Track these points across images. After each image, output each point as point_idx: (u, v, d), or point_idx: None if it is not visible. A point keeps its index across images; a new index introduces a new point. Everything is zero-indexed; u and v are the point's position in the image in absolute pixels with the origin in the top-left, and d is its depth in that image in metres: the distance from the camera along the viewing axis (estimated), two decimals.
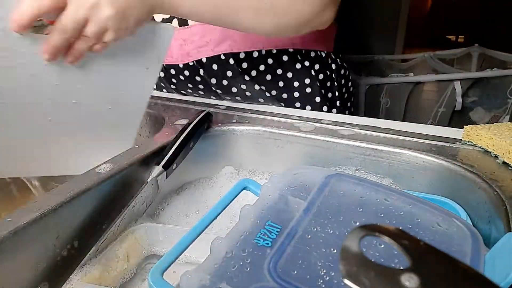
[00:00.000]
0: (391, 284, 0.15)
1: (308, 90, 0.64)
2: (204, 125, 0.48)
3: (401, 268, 0.15)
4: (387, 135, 0.45)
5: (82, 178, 0.37)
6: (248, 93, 0.64)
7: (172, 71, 0.65)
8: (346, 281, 0.15)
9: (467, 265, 0.15)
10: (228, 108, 0.57)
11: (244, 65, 0.62)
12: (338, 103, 0.68)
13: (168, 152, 0.41)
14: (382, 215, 0.31)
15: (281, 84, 0.64)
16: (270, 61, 0.62)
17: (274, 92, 0.64)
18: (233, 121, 0.52)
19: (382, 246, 0.26)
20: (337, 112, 0.68)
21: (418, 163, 0.42)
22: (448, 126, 0.47)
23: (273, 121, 0.51)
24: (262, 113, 0.54)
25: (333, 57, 0.67)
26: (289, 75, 0.63)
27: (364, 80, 1.87)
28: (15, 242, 0.30)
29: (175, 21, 0.61)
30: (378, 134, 0.46)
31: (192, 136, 0.44)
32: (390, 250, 0.26)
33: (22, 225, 0.31)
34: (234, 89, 0.64)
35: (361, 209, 0.32)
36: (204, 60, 0.62)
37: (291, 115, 0.53)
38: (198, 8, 0.44)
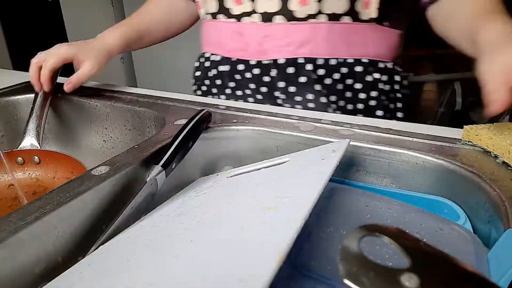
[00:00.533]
0: (391, 284, 0.15)
1: (373, 102, 0.62)
2: (203, 124, 0.48)
3: (401, 268, 0.15)
4: (387, 135, 0.45)
5: (82, 178, 0.37)
6: (311, 105, 0.61)
7: (241, 67, 0.63)
8: (346, 281, 0.15)
9: (466, 265, 0.15)
10: (228, 108, 0.57)
11: (321, 71, 0.59)
12: (399, 114, 0.66)
13: (167, 151, 0.41)
14: (388, 220, 0.33)
15: (348, 94, 0.61)
16: (344, 70, 0.60)
17: (341, 103, 0.62)
18: (233, 121, 0.52)
19: (382, 246, 0.26)
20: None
21: (418, 163, 0.42)
22: (448, 126, 0.47)
23: (273, 121, 0.51)
24: (262, 113, 0.54)
25: (397, 67, 0.65)
26: (358, 86, 0.61)
27: None
28: (15, 241, 0.30)
29: (257, 16, 0.59)
30: (378, 134, 0.46)
31: (191, 135, 0.44)
32: (390, 250, 0.27)
33: (22, 224, 0.31)
34: (298, 98, 0.61)
35: (368, 215, 0.33)
36: (281, 61, 0.60)
37: (291, 115, 0.53)
38: None
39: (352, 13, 0.57)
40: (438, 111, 1.76)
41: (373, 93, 0.62)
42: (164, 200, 0.42)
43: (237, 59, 0.63)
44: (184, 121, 0.49)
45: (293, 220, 0.23)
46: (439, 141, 0.44)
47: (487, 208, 0.35)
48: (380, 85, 0.62)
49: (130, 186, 0.41)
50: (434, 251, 0.16)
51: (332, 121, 0.50)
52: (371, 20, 0.58)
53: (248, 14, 0.60)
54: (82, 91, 0.68)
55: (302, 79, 0.60)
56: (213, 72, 0.68)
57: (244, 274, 0.20)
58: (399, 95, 0.65)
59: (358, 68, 0.60)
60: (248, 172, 0.42)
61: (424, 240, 0.16)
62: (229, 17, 0.62)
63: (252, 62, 0.62)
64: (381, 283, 0.15)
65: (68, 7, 2.04)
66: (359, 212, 0.34)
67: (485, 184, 0.36)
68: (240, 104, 0.60)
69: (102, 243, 0.34)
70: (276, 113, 0.54)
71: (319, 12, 0.57)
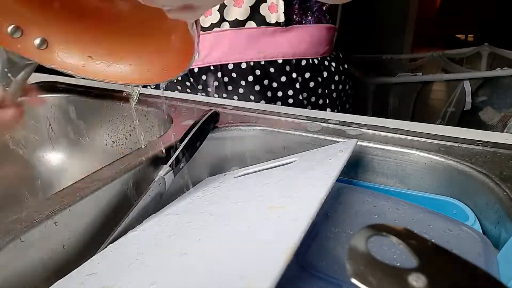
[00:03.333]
0: (398, 283, 0.15)
1: (290, 101, 0.65)
2: (210, 124, 0.48)
3: (409, 268, 0.15)
4: (395, 135, 0.45)
5: (91, 178, 0.38)
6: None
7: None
8: (353, 280, 0.15)
9: (475, 265, 0.15)
10: (235, 108, 0.57)
11: (233, 75, 0.63)
12: (329, 110, 0.68)
13: (175, 151, 0.41)
14: (396, 221, 0.33)
15: (269, 94, 0.65)
16: (257, 72, 0.63)
17: (263, 102, 0.65)
18: (240, 121, 0.52)
19: (390, 245, 0.26)
20: None
21: (427, 163, 0.42)
22: (458, 126, 0.47)
23: (280, 121, 0.52)
24: (269, 113, 0.54)
25: (327, 62, 0.66)
26: (274, 85, 0.64)
27: (372, 80, 1.86)
28: (26, 239, 0.30)
29: None
30: (386, 134, 0.46)
31: (198, 135, 0.45)
32: (397, 250, 0.26)
33: (32, 223, 0.31)
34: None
35: (376, 216, 0.33)
36: (195, 70, 0.63)
37: (299, 115, 0.53)
38: None
39: (257, 18, 0.59)
40: (447, 111, 1.74)
41: (290, 92, 0.64)
42: (172, 199, 0.42)
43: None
44: (192, 121, 0.50)
45: (300, 220, 0.23)
46: (448, 141, 0.43)
47: (497, 209, 0.35)
48: (300, 83, 0.63)
49: (138, 185, 0.41)
50: (442, 251, 0.16)
51: (339, 121, 0.50)
52: (279, 24, 0.59)
53: None
54: (91, 91, 0.68)
55: (216, 83, 0.63)
56: None
57: (251, 273, 0.20)
58: (328, 91, 0.66)
59: (271, 69, 0.62)
60: (255, 172, 0.42)
61: (433, 240, 0.16)
62: None
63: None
64: (389, 282, 0.15)
65: None
66: (367, 212, 0.34)
67: (494, 185, 0.36)
68: (247, 104, 0.60)
69: (111, 242, 0.35)
70: (283, 113, 0.54)
71: (223, 20, 0.59)
